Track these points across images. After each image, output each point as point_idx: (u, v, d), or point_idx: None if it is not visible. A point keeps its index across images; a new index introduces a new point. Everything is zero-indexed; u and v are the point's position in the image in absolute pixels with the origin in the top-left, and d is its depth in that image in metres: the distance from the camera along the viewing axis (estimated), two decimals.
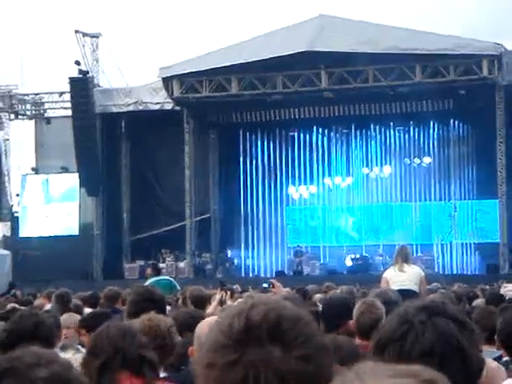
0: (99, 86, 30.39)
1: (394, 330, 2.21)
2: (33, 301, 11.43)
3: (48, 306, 9.35)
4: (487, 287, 14.60)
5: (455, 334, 2.19)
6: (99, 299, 9.27)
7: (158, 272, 14.34)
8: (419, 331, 2.19)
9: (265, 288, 8.97)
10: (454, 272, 28.93)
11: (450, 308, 2.27)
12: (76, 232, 31.09)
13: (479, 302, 9.07)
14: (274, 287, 8.72)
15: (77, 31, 29.87)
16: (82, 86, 29.38)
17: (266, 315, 1.82)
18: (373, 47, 26.11)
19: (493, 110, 26.27)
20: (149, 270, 14.09)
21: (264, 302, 1.87)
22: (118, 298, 8.64)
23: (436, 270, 28.08)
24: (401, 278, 10.00)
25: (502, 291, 9.35)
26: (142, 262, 28.82)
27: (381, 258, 27.85)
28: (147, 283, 12.97)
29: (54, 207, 31.71)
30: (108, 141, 30.15)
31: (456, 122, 29.80)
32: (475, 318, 5.82)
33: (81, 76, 29.43)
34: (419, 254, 28.38)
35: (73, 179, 30.79)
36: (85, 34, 30.03)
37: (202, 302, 8.11)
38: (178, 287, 12.34)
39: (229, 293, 7.77)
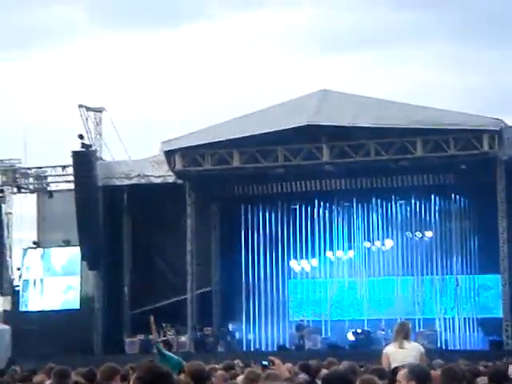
0: (102, 159, 30.60)
1: None
2: (32, 377, 11.30)
3: (48, 383, 9.26)
4: (490, 364, 14.46)
5: None
6: (96, 375, 9.17)
7: (169, 348, 14.32)
8: None
9: (264, 365, 8.88)
10: (457, 347, 28.68)
11: None
12: (77, 306, 30.93)
13: (482, 379, 8.96)
14: (273, 364, 8.66)
15: (80, 105, 30.19)
16: (84, 160, 29.59)
17: None
18: (374, 121, 26.35)
19: (494, 184, 26.38)
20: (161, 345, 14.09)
21: None
22: (114, 374, 8.54)
23: (438, 345, 27.84)
24: (401, 354, 9.97)
25: (511, 371, 9.29)
26: (142, 337, 28.60)
27: (383, 332, 27.62)
28: (157, 360, 12.93)
29: (55, 281, 31.62)
30: (110, 214, 30.21)
31: (457, 196, 29.86)
32: None
33: (84, 150, 29.65)
34: (421, 329, 28.19)
35: (74, 252, 30.77)
36: (88, 109, 30.34)
37: (201, 378, 8.01)
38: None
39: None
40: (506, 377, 8.37)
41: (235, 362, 16.32)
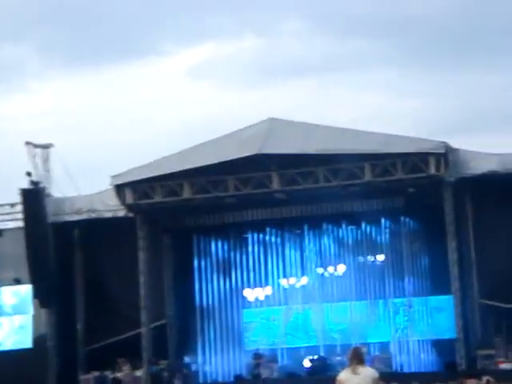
0: (51, 195, 30.39)
1: None
2: None
3: None
4: None
5: None
6: None
7: None
8: None
9: None
10: (412, 370, 28.88)
11: None
12: (30, 345, 30.55)
13: None
14: None
15: (28, 142, 30.03)
16: (33, 197, 29.38)
17: None
18: (322, 148, 26.58)
19: (442, 206, 26.71)
20: None
21: None
22: None
23: (394, 368, 27.99)
24: (355, 380, 10.00)
25: None
26: (97, 373, 28.37)
27: (339, 358, 27.69)
28: None
29: (6, 321, 31.22)
30: (61, 250, 29.94)
31: (407, 219, 30.15)
32: None
33: (32, 187, 29.45)
34: (376, 353, 28.36)
35: (25, 291, 30.44)
36: (36, 145, 30.19)
37: None
38: None
39: None
40: None
41: None
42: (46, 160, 30.45)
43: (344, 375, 10.39)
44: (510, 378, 16.31)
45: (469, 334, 27.39)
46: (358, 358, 10.49)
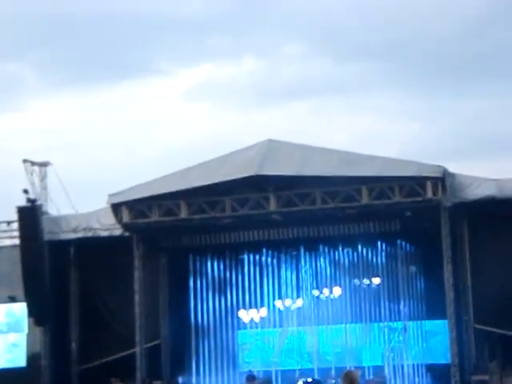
0: (48, 213, 30.37)
1: None
2: None
3: None
4: None
5: None
6: None
7: None
8: None
9: None
10: None
11: None
12: (23, 364, 30.45)
13: None
14: None
15: (25, 160, 30.07)
16: (30, 215, 29.34)
17: None
18: (319, 170, 26.61)
19: (438, 230, 26.70)
20: None
21: None
22: None
23: None
24: None
25: None
26: None
27: (333, 381, 27.66)
28: None
29: (0, 339, 31.12)
30: (56, 268, 29.87)
31: (403, 243, 30.17)
32: None
33: (29, 205, 29.44)
34: (371, 377, 28.31)
35: (20, 309, 30.37)
36: (33, 163, 30.23)
37: None
38: None
39: None
40: None
41: None
42: (43, 178, 30.50)
43: None
44: None
45: (463, 359, 27.33)
46: (351, 382, 10.48)
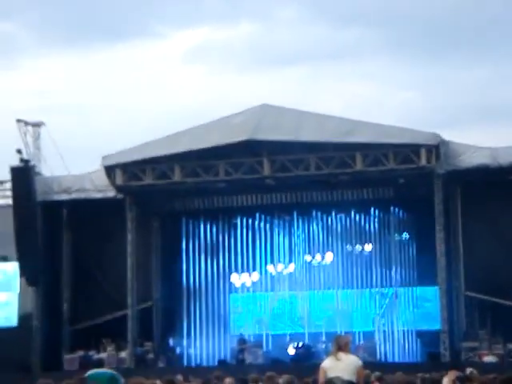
0: (41, 174, 30.30)
1: None
2: None
3: None
4: (427, 375, 14.64)
5: None
6: None
7: (101, 365, 14.12)
8: None
9: None
10: (396, 360, 29.00)
11: None
12: (15, 323, 30.53)
13: None
14: None
15: (19, 120, 29.92)
16: (23, 175, 29.27)
17: None
18: (313, 136, 26.56)
19: (431, 198, 26.74)
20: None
21: None
22: None
23: (378, 357, 28.08)
24: (337, 367, 10.05)
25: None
26: (81, 353, 28.38)
27: (324, 346, 27.78)
28: (87, 374, 12.78)
29: None
30: (49, 229, 29.89)
31: (396, 210, 30.21)
32: None
33: (22, 165, 29.35)
34: (361, 342, 28.44)
35: (12, 268, 30.40)
36: (27, 123, 30.08)
37: None
38: (122, 380, 12.17)
39: None
40: None
41: (178, 377, 16.34)
42: (36, 138, 30.37)
43: (328, 363, 10.44)
44: (493, 370, 16.36)
45: (453, 326, 27.50)
46: (342, 346, 10.52)
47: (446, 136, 26.97)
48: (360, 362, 10.58)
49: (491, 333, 26.84)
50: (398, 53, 50.11)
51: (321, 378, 9.79)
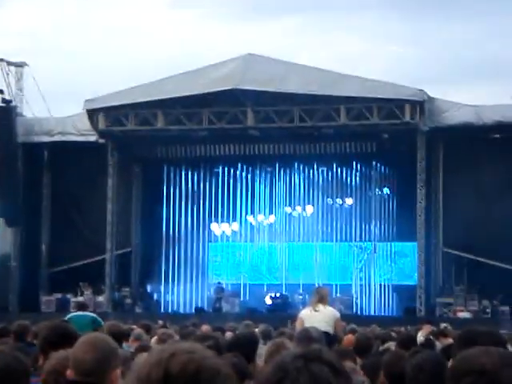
0: (22, 115, 30.04)
1: (269, 378, 2.23)
2: None
3: None
4: (402, 329, 14.75)
5: (330, 380, 2.22)
6: (10, 333, 9.08)
7: (84, 308, 14.09)
8: (294, 378, 2.21)
9: None
10: (372, 313, 29.23)
11: (326, 355, 2.30)
12: None
13: (390, 344, 9.14)
14: None
15: (1, 60, 29.56)
16: (4, 115, 29.01)
17: (185, 366, 1.80)
18: (299, 88, 26.42)
19: (414, 154, 26.75)
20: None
21: (185, 350, 1.84)
22: (26, 332, 8.51)
23: (354, 310, 28.30)
24: (315, 318, 10.08)
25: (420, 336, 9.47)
26: (59, 295, 28.43)
27: (301, 297, 27.94)
28: (68, 317, 12.78)
29: None
30: (29, 171, 29.73)
31: (378, 165, 30.21)
32: (385, 361, 5.85)
33: (4, 105, 29.08)
34: (338, 295, 28.61)
35: None
36: (9, 63, 29.72)
37: (119, 338, 8.09)
38: (102, 323, 12.19)
39: None
40: (414, 342, 8.58)
41: (159, 322, 16.39)
42: (19, 79, 30.04)
43: (305, 313, 10.49)
44: (468, 326, 16.49)
45: (430, 282, 27.70)
46: (319, 297, 10.57)
47: (436, 91, 26.95)
48: (338, 315, 10.63)
49: (467, 289, 27.07)
50: (387, 5, 49.79)
51: (298, 327, 9.83)
